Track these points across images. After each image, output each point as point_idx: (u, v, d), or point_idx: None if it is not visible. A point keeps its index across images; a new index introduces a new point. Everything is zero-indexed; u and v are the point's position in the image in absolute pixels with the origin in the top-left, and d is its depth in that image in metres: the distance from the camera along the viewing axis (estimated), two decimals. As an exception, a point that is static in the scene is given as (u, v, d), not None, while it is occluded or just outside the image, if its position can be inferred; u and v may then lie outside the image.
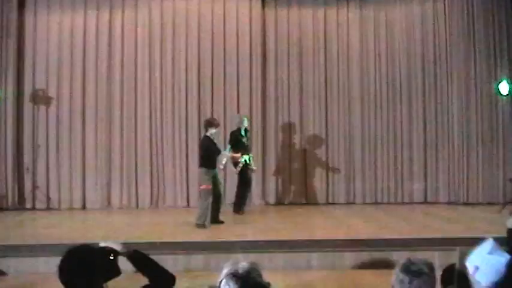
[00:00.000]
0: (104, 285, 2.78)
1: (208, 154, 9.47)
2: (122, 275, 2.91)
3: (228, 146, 10.50)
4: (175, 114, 12.41)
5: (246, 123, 10.91)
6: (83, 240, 8.01)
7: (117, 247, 2.90)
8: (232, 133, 10.87)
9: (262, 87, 12.57)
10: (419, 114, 12.54)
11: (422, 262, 2.73)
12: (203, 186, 9.37)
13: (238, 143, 10.59)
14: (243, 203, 10.89)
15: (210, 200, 9.32)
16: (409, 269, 2.66)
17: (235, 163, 10.55)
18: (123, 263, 2.94)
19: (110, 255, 2.82)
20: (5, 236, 8.92)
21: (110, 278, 2.78)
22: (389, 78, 12.64)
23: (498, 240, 2.92)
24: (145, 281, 2.95)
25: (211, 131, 9.59)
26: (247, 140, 10.90)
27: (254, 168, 10.92)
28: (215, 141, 9.73)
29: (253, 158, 10.96)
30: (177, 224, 10.04)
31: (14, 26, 11.95)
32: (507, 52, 12.15)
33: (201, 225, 9.25)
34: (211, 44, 12.47)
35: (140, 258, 2.96)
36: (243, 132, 10.78)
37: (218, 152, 9.68)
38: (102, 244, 2.91)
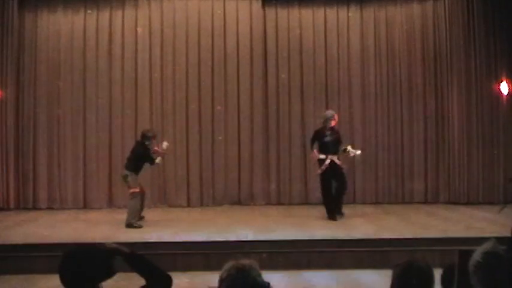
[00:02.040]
0: (99, 285, 2.80)
1: (140, 161, 9.82)
2: (120, 275, 2.93)
3: (314, 145, 10.19)
4: (176, 113, 12.40)
5: (332, 122, 10.19)
6: (84, 240, 8.04)
7: (116, 248, 2.92)
8: (316, 132, 10.33)
9: (263, 87, 12.56)
10: (420, 114, 12.53)
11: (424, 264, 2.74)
12: (133, 189, 9.69)
13: (320, 142, 10.15)
14: (333, 206, 10.18)
15: (138, 200, 9.72)
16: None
17: (320, 163, 10.10)
18: (121, 264, 2.95)
19: (108, 256, 2.84)
20: (6, 235, 8.92)
21: (104, 279, 2.81)
22: (390, 78, 12.63)
23: (499, 240, 2.92)
24: (142, 281, 2.96)
25: (147, 142, 9.87)
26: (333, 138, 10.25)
27: (343, 167, 10.37)
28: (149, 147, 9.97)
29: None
30: (178, 223, 10.06)
31: (14, 26, 11.94)
32: (507, 52, 12.15)
33: (131, 225, 9.47)
34: (212, 44, 12.46)
35: (137, 259, 2.97)
36: (327, 131, 10.15)
37: (151, 161, 9.91)
38: (101, 244, 2.93)
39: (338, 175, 10.19)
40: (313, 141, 10.34)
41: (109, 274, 2.81)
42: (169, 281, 2.97)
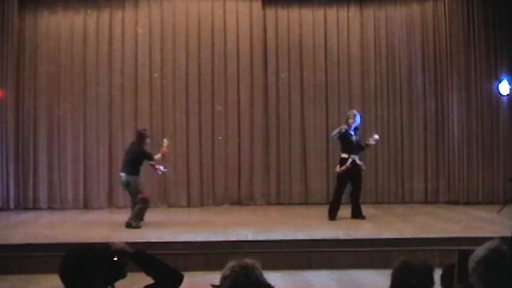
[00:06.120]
0: (109, 287, 2.74)
1: (140, 161, 9.68)
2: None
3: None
4: (176, 113, 12.40)
5: (357, 121, 10.09)
6: (84, 240, 8.04)
7: (123, 248, 2.85)
8: (340, 131, 10.13)
9: (263, 87, 12.56)
10: (420, 114, 12.53)
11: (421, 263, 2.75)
12: (144, 195, 9.63)
13: (346, 141, 10.04)
14: (337, 208, 10.14)
15: (147, 207, 9.68)
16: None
17: (341, 163, 10.01)
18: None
19: (114, 257, 2.77)
20: (6, 235, 8.92)
21: (114, 280, 2.74)
22: (390, 78, 12.63)
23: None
24: (148, 280, 2.92)
25: (146, 141, 9.80)
26: (358, 138, 10.19)
27: (364, 168, 10.32)
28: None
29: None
30: (178, 223, 10.06)
31: (14, 26, 11.93)
32: (507, 52, 12.15)
33: (130, 225, 9.42)
34: (212, 44, 12.46)
35: (144, 258, 2.92)
36: (352, 131, 10.06)
37: (151, 158, 9.73)
38: (106, 245, 2.87)
39: (357, 176, 10.15)
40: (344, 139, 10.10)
41: (118, 276, 2.74)
42: (179, 278, 2.90)
